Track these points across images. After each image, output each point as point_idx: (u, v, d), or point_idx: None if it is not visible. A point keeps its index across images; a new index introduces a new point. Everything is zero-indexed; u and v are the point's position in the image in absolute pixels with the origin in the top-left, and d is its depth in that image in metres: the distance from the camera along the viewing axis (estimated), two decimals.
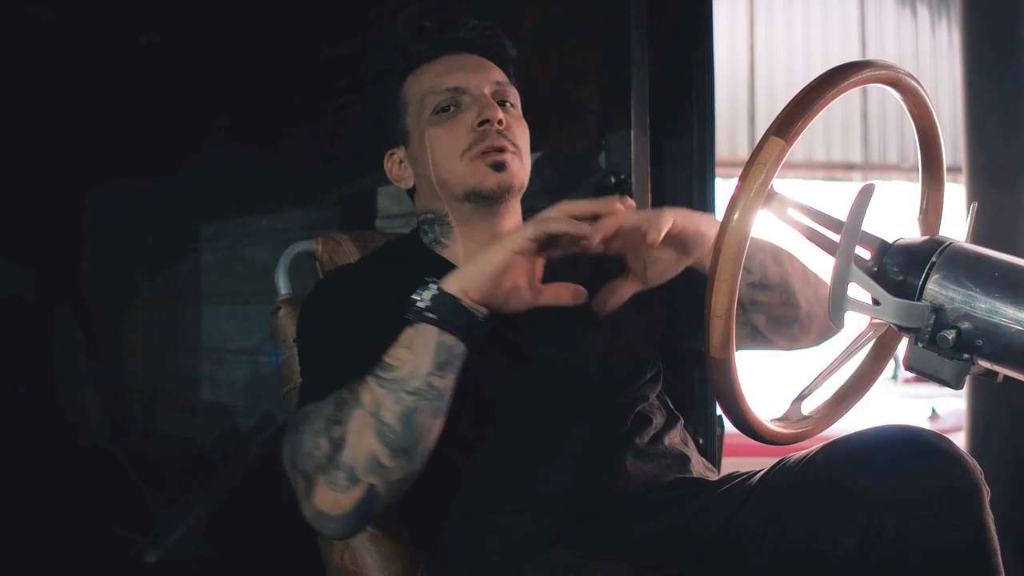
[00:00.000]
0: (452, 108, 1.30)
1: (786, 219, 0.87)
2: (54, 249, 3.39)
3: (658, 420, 1.29)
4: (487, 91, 1.31)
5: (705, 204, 1.93)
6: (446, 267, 1.24)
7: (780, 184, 0.85)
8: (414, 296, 1.07)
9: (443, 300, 1.06)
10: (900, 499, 1.04)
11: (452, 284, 1.07)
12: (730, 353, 0.85)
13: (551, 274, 1.14)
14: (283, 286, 1.43)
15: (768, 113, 9.37)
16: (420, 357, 1.05)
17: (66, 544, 2.77)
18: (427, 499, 1.21)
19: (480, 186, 1.28)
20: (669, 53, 1.95)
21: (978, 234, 0.92)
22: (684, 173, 1.95)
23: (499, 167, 1.28)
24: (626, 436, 1.24)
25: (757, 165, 0.80)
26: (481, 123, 1.28)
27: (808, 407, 0.98)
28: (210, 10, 3.01)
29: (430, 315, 1.06)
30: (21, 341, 3.25)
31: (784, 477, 1.17)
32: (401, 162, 1.37)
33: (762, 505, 1.16)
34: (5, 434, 3.01)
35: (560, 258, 1.12)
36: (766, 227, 0.88)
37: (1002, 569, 1.03)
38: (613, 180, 1.87)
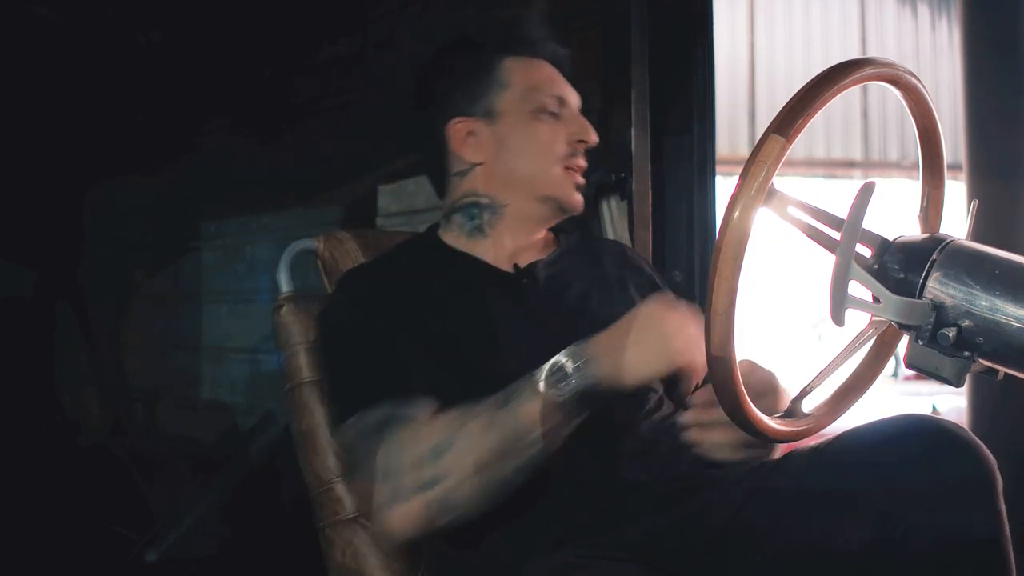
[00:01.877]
0: (556, 115, 1.34)
1: (786, 217, 0.87)
2: (54, 247, 3.39)
3: (665, 410, 1.30)
4: (577, 108, 1.38)
5: (705, 202, 1.93)
6: (474, 266, 1.26)
7: (781, 182, 0.85)
8: (558, 371, 1.07)
9: (590, 391, 1.07)
10: (918, 490, 1.05)
11: (603, 368, 1.07)
12: (730, 351, 0.85)
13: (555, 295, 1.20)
14: (285, 284, 1.43)
15: (768, 111, 9.36)
16: (547, 422, 1.06)
17: (67, 543, 2.76)
18: None
19: (565, 198, 1.34)
20: (669, 51, 1.95)
21: (978, 232, 0.91)
22: (684, 171, 1.95)
23: (579, 188, 1.36)
24: (636, 427, 1.24)
25: (757, 163, 0.80)
26: (580, 140, 1.34)
27: (809, 405, 0.97)
28: (210, 8, 3.01)
29: (573, 404, 1.07)
30: (21, 340, 3.25)
31: (794, 469, 1.17)
32: (472, 134, 1.34)
33: (772, 496, 1.16)
34: (5, 433, 3.01)
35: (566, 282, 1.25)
36: (767, 225, 0.88)
37: (1013, 558, 1.04)
38: (613, 178, 1.88)
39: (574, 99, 1.37)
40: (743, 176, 0.81)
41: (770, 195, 0.84)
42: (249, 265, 3.31)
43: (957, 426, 1.09)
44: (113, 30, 3.17)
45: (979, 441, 1.07)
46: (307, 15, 2.82)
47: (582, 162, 1.36)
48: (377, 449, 1.11)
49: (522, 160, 1.33)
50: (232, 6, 2.98)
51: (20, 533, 2.71)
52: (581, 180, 1.36)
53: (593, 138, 1.35)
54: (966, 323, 0.80)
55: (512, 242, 1.35)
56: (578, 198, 1.36)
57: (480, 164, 1.34)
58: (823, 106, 0.82)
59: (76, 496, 2.96)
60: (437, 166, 1.39)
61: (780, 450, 1.25)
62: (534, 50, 1.36)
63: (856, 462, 1.10)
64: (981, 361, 0.82)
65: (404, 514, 1.09)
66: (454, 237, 1.38)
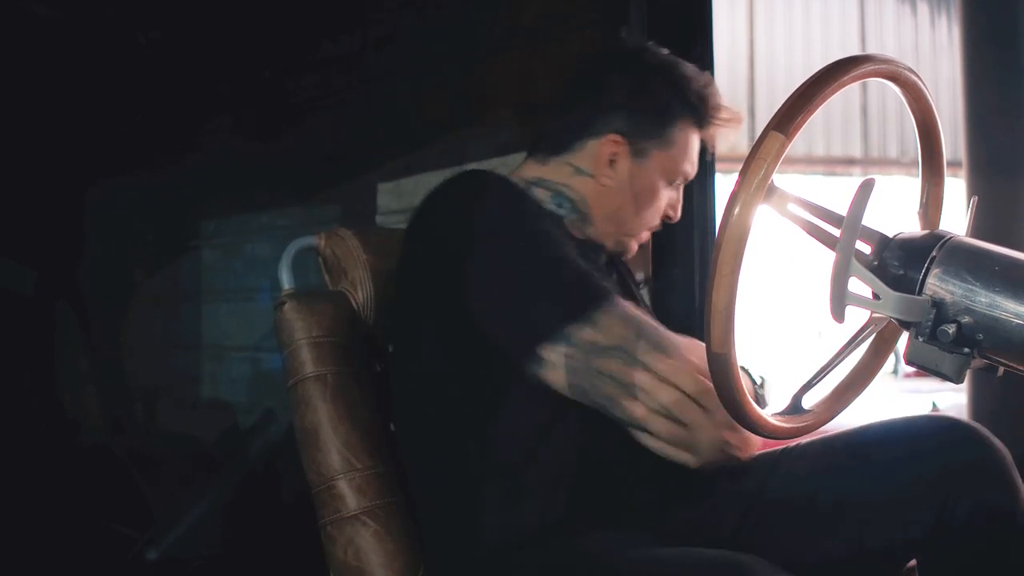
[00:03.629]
0: (676, 186, 1.40)
1: (786, 214, 0.87)
2: (54, 246, 3.39)
3: None
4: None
5: (705, 200, 1.93)
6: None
7: (780, 179, 0.85)
8: None
9: None
10: (942, 483, 1.07)
11: None
12: (730, 348, 0.85)
13: None
14: (286, 282, 1.43)
15: (768, 108, 9.36)
16: None
17: (67, 541, 2.77)
18: (440, 492, 1.22)
19: (629, 249, 1.40)
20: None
21: (978, 228, 0.92)
22: None
23: (629, 252, 1.41)
24: None
25: (757, 160, 0.80)
26: (668, 216, 1.40)
27: (809, 402, 0.98)
28: (209, 6, 3.01)
29: None
30: (21, 339, 3.25)
31: (804, 471, 1.20)
32: (615, 157, 1.35)
33: (779, 503, 1.18)
34: (6, 432, 3.02)
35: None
36: (767, 222, 0.89)
37: None
38: None
39: (692, 175, 1.42)
40: (743, 173, 0.81)
41: (770, 192, 0.84)
42: (249, 263, 3.31)
43: (974, 424, 1.12)
44: (113, 29, 3.17)
45: (989, 433, 1.10)
46: (307, 13, 2.82)
47: (658, 227, 1.42)
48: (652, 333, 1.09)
49: (631, 206, 1.36)
50: (231, 5, 2.98)
51: (21, 532, 2.71)
52: (637, 247, 1.41)
53: (677, 217, 1.41)
54: (966, 319, 0.80)
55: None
56: (623, 254, 1.42)
57: (595, 180, 1.35)
58: (823, 103, 0.82)
59: (76, 495, 2.96)
60: (566, 143, 1.37)
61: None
62: (704, 126, 1.39)
63: (871, 460, 1.13)
64: (981, 357, 0.82)
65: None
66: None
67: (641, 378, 1.06)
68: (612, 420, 1.17)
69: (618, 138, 1.34)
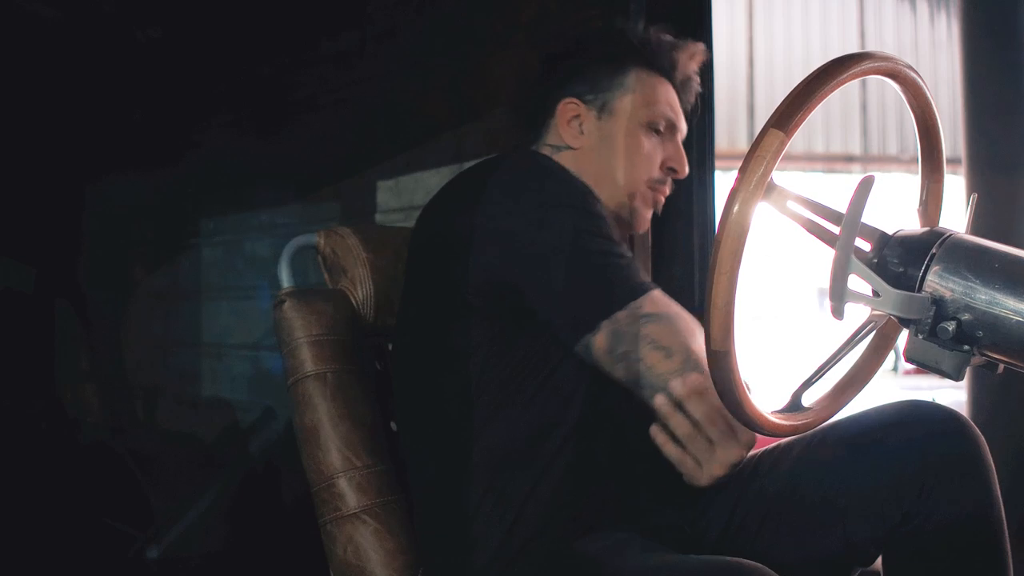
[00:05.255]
0: (662, 135, 1.36)
1: (786, 211, 0.87)
2: (54, 244, 3.39)
3: None
4: (680, 140, 1.39)
5: (704, 197, 1.93)
6: None
7: (780, 176, 0.85)
8: None
9: None
10: (919, 475, 1.07)
11: None
12: (730, 345, 0.85)
13: None
14: (286, 280, 1.43)
15: (767, 105, 9.36)
16: None
17: (67, 540, 2.77)
18: (439, 492, 1.22)
19: (639, 213, 1.36)
20: None
21: (978, 225, 0.92)
22: None
23: (653, 209, 1.38)
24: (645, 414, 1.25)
25: (757, 158, 0.80)
26: (671, 168, 1.37)
27: (808, 399, 0.98)
28: (208, 4, 3.01)
29: None
30: (21, 337, 3.25)
31: (791, 461, 1.20)
32: (579, 120, 1.36)
33: (767, 490, 1.18)
34: (6, 430, 3.02)
35: None
36: (766, 219, 0.89)
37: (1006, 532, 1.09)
38: None
39: (683, 124, 1.40)
40: (742, 171, 0.81)
41: (769, 189, 0.84)
42: (249, 261, 3.31)
43: (948, 408, 1.12)
44: (111, 26, 3.17)
45: (969, 421, 1.11)
46: (306, 11, 2.82)
47: (667, 189, 1.39)
48: (671, 326, 1.12)
49: (614, 163, 1.34)
50: (230, 2, 2.98)
51: (21, 530, 2.71)
52: (660, 203, 1.39)
53: (685, 170, 1.38)
54: (966, 317, 0.80)
55: None
56: (648, 215, 1.38)
57: (574, 149, 1.36)
58: (822, 100, 0.82)
59: (76, 493, 2.96)
60: (536, 127, 1.40)
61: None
62: (667, 73, 1.38)
63: (855, 448, 1.13)
64: (981, 355, 0.82)
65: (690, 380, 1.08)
66: None
67: (676, 365, 1.09)
68: (609, 422, 1.17)
69: (571, 99, 1.36)
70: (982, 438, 1.11)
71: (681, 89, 1.40)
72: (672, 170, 1.38)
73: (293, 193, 3.00)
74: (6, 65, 2.97)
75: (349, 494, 1.32)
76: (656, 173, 1.36)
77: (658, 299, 1.14)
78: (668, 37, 1.39)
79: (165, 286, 3.58)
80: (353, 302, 1.42)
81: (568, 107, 1.36)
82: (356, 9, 2.67)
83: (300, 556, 1.74)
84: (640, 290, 1.13)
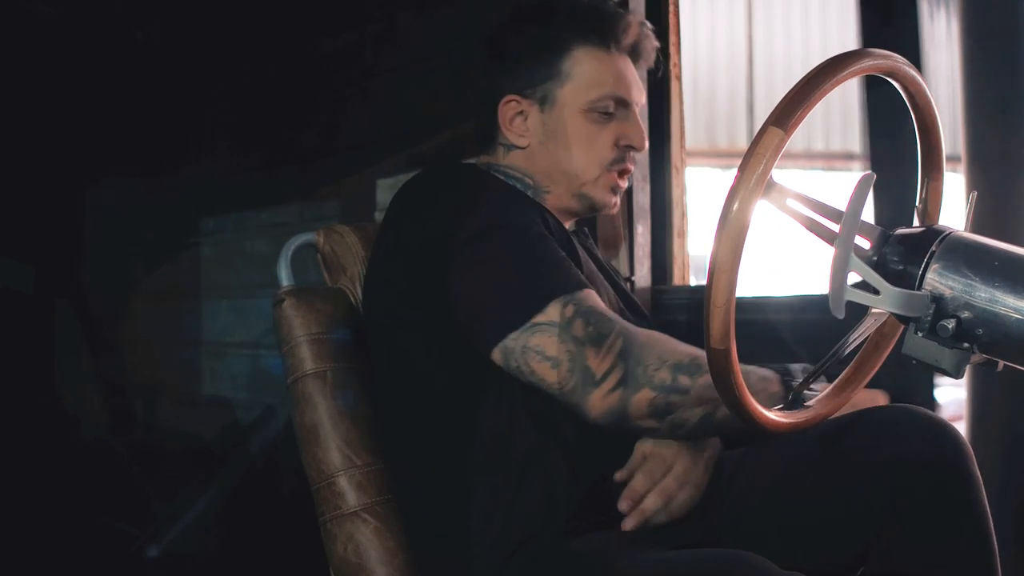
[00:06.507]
0: (610, 115, 1.31)
1: (785, 209, 0.87)
2: (54, 243, 3.39)
3: None
4: (637, 111, 1.34)
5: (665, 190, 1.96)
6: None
7: (779, 174, 0.85)
8: None
9: None
10: (903, 482, 1.07)
11: None
12: (730, 343, 0.85)
13: None
14: (285, 278, 1.43)
15: (767, 103, 9.35)
16: None
17: (67, 538, 2.77)
18: (431, 494, 1.22)
19: (599, 200, 1.34)
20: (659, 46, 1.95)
21: (977, 223, 0.92)
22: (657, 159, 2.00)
23: (617, 192, 1.35)
24: None
25: (756, 155, 0.80)
26: (628, 145, 1.32)
27: (808, 397, 0.98)
28: (208, 3, 3.01)
29: None
30: (22, 336, 3.25)
31: (773, 461, 1.20)
32: (523, 117, 1.33)
33: (753, 485, 1.20)
34: (6, 429, 3.02)
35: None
36: (765, 217, 0.89)
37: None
38: None
39: (637, 100, 1.34)
40: (741, 169, 0.81)
41: (769, 187, 0.84)
42: (248, 260, 3.31)
43: (932, 414, 1.13)
44: (111, 26, 3.17)
45: (955, 428, 1.11)
46: (306, 10, 2.82)
47: (628, 165, 1.34)
48: (620, 332, 1.10)
49: (564, 155, 1.31)
50: (230, 1, 2.98)
51: (21, 529, 2.71)
52: (622, 184, 1.34)
53: (643, 144, 1.33)
54: (965, 314, 0.80)
55: None
56: (613, 200, 1.35)
57: (523, 148, 1.33)
58: (822, 98, 0.82)
59: (77, 492, 2.97)
60: (485, 130, 1.37)
61: None
62: (612, 44, 1.32)
63: (840, 453, 1.14)
64: (980, 352, 0.82)
65: (624, 397, 1.08)
66: None
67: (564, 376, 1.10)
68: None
69: (511, 97, 1.32)
70: (968, 446, 1.11)
71: (632, 55, 1.35)
72: (629, 147, 1.33)
73: (293, 192, 3.00)
74: (6, 64, 2.97)
75: (349, 492, 1.32)
76: (611, 154, 1.32)
77: (554, 308, 1.12)
78: (606, 5, 1.34)
79: (165, 285, 3.58)
80: (352, 300, 1.42)
81: (509, 106, 1.32)
82: (356, 8, 2.67)
83: (300, 554, 1.74)
84: (561, 290, 1.13)
